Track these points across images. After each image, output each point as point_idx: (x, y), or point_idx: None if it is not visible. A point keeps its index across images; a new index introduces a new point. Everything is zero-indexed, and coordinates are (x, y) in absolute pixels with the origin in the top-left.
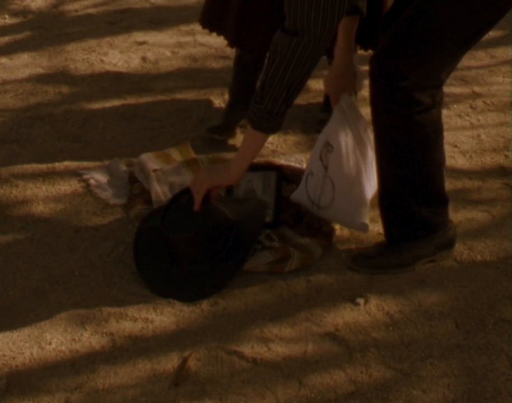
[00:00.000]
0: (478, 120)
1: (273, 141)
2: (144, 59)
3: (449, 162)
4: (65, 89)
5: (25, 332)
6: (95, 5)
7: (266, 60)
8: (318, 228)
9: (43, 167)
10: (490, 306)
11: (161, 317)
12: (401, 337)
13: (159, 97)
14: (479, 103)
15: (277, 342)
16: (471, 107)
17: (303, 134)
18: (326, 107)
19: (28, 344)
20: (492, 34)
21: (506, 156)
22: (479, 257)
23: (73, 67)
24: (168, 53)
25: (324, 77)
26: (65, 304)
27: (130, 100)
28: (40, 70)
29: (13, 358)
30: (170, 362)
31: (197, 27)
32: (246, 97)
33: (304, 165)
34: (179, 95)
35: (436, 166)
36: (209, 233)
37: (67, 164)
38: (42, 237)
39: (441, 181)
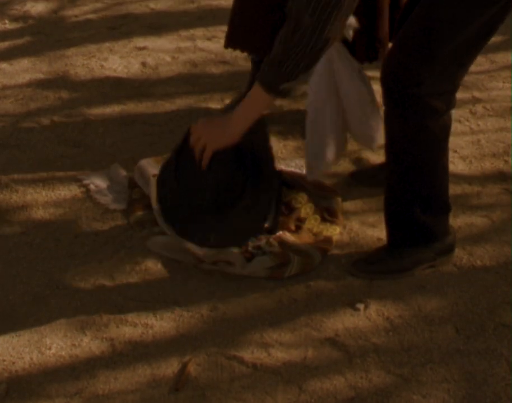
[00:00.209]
0: (478, 125)
1: (273, 146)
2: (144, 64)
3: (449, 167)
4: (65, 95)
5: (25, 337)
6: (95, 11)
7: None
8: (318, 233)
9: (43, 172)
10: (490, 311)
11: (160, 322)
12: (401, 342)
13: (159, 102)
14: (479, 108)
15: (276, 348)
16: (471, 112)
17: (303, 139)
18: None
19: (28, 349)
20: (491, 39)
21: (506, 161)
22: (478, 262)
23: (73, 72)
24: (168, 58)
25: None
26: (65, 309)
27: (130, 105)
28: (40, 76)
29: (13, 363)
30: (169, 368)
31: (197, 32)
32: None
33: (304, 171)
34: (179, 101)
35: (444, 172)
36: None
37: (67, 169)
38: (42, 242)
39: (447, 188)
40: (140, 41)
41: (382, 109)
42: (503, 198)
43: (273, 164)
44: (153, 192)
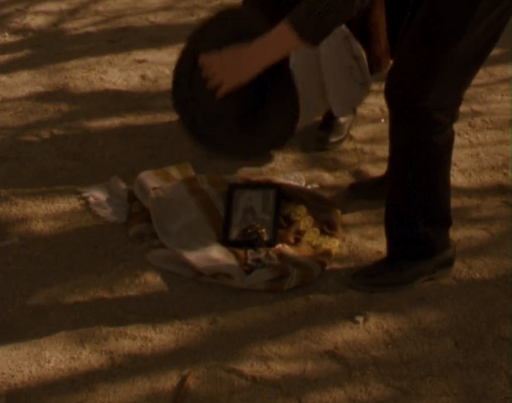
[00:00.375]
0: (477, 138)
1: (273, 159)
2: (143, 77)
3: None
4: (64, 107)
5: (24, 350)
6: (95, 24)
7: None
8: (317, 246)
9: (42, 184)
10: (489, 324)
11: (160, 335)
12: (401, 355)
13: (159, 115)
14: (478, 121)
15: (276, 361)
16: (470, 125)
17: (302, 153)
18: (325, 125)
19: (27, 362)
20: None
21: (505, 174)
22: (478, 275)
23: (73, 85)
24: (167, 71)
25: None
26: (64, 322)
27: (130, 118)
28: (40, 88)
29: (12, 376)
30: (169, 381)
31: None
32: None
33: (303, 184)
34: None
35: (445, 185)
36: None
37: (66, 182)
38: (42, 255)
39: (448, 201)
40: (139, 54)
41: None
42: (503, 211)
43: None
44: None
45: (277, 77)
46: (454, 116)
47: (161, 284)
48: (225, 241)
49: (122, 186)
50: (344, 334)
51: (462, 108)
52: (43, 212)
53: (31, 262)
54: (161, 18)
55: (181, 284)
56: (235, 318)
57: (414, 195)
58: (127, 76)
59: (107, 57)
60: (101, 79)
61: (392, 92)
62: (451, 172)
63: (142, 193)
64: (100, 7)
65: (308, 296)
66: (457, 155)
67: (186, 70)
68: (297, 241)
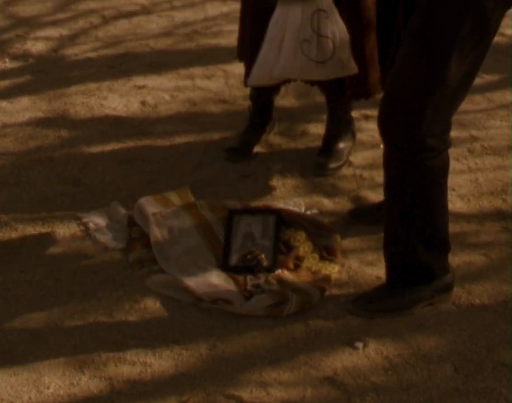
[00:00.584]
0: (476, 163)
1: (272, 185)
2: (143, 103)
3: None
4: (64, 133)
5: (23, 375)
6: (95, 49)
7: None
8: (316, 271)
9: (42, 210)
10: (489, 350)
11: (159, 360)
12: (400, 381)
13: (159, 141)
14: (477, 146)
15: (275, 387)
16: (469, 150)
17: (302, 178)
18: (325, 151)
19: (26, 388)
20: (489, 78)
21: (504, 200)
22: (477, 301)
23: (73, 111)
24: (167, 97)
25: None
26: (64, 347)
27: (130, 144)
28: (40, 114)
29: (11, 402)
30: None
31: (196, 71)
32: (263, 120)
33: (303, 209)
34: (178, 139)
35: (443, 211)
36: None
37: (66, 207)
38: (41, 280)
39: (446, 227)
40: (139, 80)
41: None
42: (502, 237)
43: None
44: (152, 231)
45: None
46: (446, 141)
47: (160, 310)
48: (225, 267)
49: (122, 211)
50: (344, 360)
51: (461, 133)
52: (43, 237)
53: (30, 287)
54: (160, 44)
55: (180, 309)
56: (235, 343)
57: (411, 220)
58: (127, 102)
59: (107, 83)
60: (101, 104)
61: (385, 120)
62: (450, 198)
63: (141, 219)
64: (100, 33)
65: (308, 322)
66: (456, 180)
67: None
68: (297, 267)
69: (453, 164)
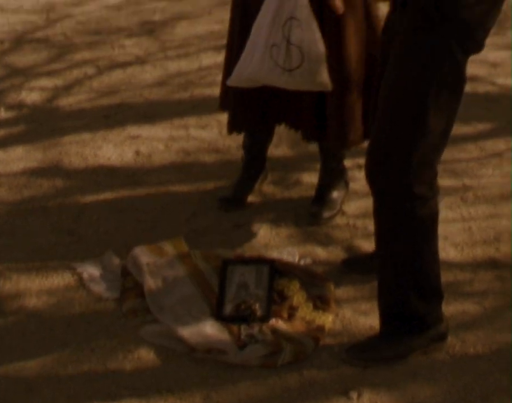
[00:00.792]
0: (469, 212)
1: (266, 235)
2: (137, 152)
3: (440, 254)
4: (59, 183)
5: None
6: (89, 100)
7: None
8: (310, 321)
9: (36, 260)
10: (483, 399)
11: None
12: None
13: (153, 191)
14: (469, 195)
15: None
16: (462, 199)
17: (296, 227)
18: (318, 200)
19: None
20: (480, 127)
21: (497, 248)
22: (471, 350)
23: (67, 161)
24: (161, 147)
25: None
26: (58, 398)
27: (124, 193)
28: (34, 164)
29: None
30: None
31: (190, 120)
32: (256, 169)
33: (296, 259)
34: (172, 189)
35: (434, 259)
36: None
37: (60, 257)
38: (35, 330)
39: (439, 275)
40: (134, 130)
41: None
42: (495, 285)
43: None
44: (146, 281)
45: None
46: (434, 188)
47: (154, 359)
48: (219, 316)
49: (116, 261)
50: None
51: (454, 182)
52: (37, 287)
53: (24, 337)
54: (155, 94)
55: (174, 359)
56: (229, 393)
57: (403, 270)
58: (121, 152)
59: (101, 133)
60: (96, 154)
61: (372, 171)
62: (444, 246)
63: (135, 269)
64: (95, 83)
65: (302, 372)
66: (450, 229)
67: None
68: (291, 316)
69: (446, 213)
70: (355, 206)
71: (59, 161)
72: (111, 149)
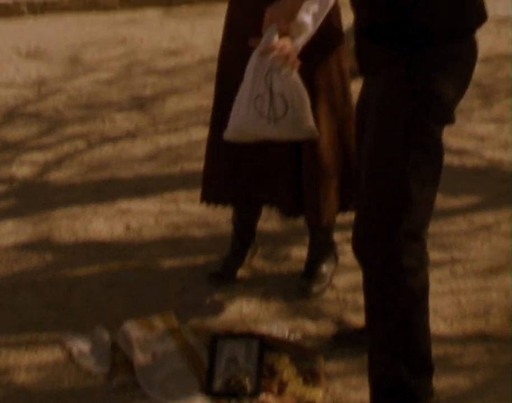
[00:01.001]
0: (458, 285)
1: (255, 309)
2: (128, 227)
3: (430, 328)
4: (49, 257)
5: None
6: (80, 174)
7: None
8: (300, 396)
9: (26, 334)
10: None
11: None
12: None
13: (143, 265)
14: (458, 268)
15: None
16: (451, 272)
17: (285, 302)
18: (307, 274)
19: None
20: (469, 200)
21: (487, 321)
22: None
23: (58, 235)
24: (151, 221)
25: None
26: None
27: (114, 267)
28: (25, 238)
29: None
30: None
31: (180, 194)
32: (245, 244)
33: (286, 333)
34: (162, 263)
35: (425, 332)
36: None
37: (50, 331)
38: None
39: (429, 348)
40: (124, 204)
41: None
42: (485, 359)
43: None
44: (136, 355)
45: None
46: (423, 259)
47: None
48: (209, 392)
49: (106, 336)
50: None
51: (443, 255)
52: (27, 362)
53: None
54: (145, 168)
55: None
56: None
57: (394, 344)
58: (112, 226)
59: (92, 207)
60: (86, 228)
61: (359, 245)
62: (433, 320)
63: (125, 344)
64: (85, 158)
65: None
66: (439, 302)
67: None
68: (281, 391)
69: (435, 286)
70: (345, 280)
71: (49, 235)
72: (102, 223)
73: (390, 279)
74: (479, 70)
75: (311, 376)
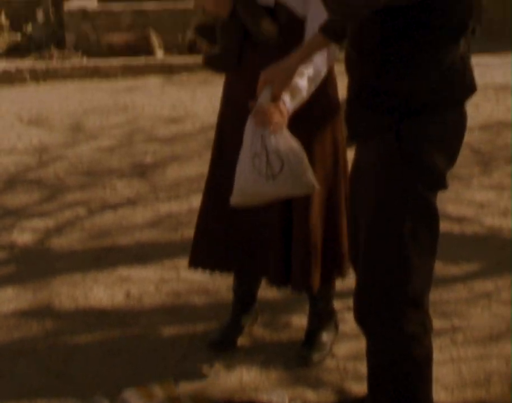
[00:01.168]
0: (459, 353)
1: (256, 377)
2: (128, 294)
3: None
4: (49, 324)
5: None
6: (81, 241)
7: None
8: None
9: (26, 402)
10: None
11: None
12: None
13: (143, 333)
14: (459, 336)
15: None
16: (451, 340)
17: (285, 370)
18: (308, 343)
19: None
20: (469, 267)
21: (487, 390)
22: None
23: (58, 302)
24: (152, 288)
25: None
26: None
27: (114, 335)
28: (24, 305)
29: None
30: None
31: (180, 262)
32: (245, 311)
33: (286, 401)
34: (162, 331)
35: (428, 400)
36: None
37: (50, 399)
38: None
39: None
40: (124, 271)
41: None
42: None
43: None
44: None
45: None
46: (426, 326)
47: None
48: None
49: None
50: None
51: (444, 323)
52: None
53: None
54: (146, 235)
55: None
56: None
57: None
58: (112, 294)
59: (92, 274)
60: (86, 296)
61: (361, 314)
62: (434, 388)
63: None
64: (86, 224)
65: None
66: (440, 371)
67: None
68: None
69: (436, 355)
70: (345, 348)
71: (49, 302)
72: (102, 290)
73: (394, 346)
74: (478, 137)
75: None
